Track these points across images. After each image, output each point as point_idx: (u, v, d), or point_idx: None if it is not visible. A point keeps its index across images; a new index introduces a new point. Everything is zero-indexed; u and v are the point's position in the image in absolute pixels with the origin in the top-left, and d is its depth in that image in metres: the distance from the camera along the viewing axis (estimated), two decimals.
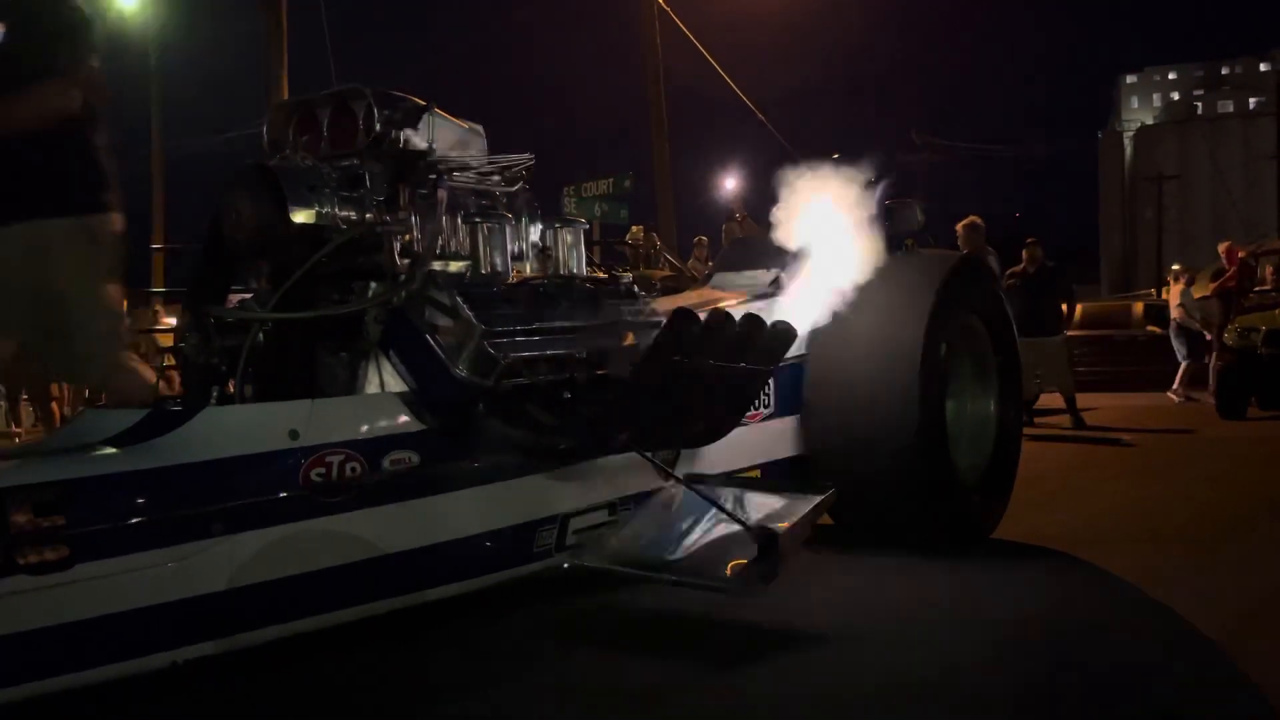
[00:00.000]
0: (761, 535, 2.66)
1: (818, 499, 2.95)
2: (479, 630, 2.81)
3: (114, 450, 2.13)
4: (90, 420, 2.31)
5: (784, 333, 3.12)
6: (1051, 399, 10.83)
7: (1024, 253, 10.73)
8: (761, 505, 2.96)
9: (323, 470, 2.32)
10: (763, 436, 3.63)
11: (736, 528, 2.82)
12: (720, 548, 2.77)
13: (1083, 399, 10.71)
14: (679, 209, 16.06)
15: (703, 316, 2.88)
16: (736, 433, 3.46)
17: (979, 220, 9.09)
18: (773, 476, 3.69)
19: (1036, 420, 10.56)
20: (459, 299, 2.50)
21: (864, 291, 3.76)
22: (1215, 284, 12.10)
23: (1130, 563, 3.54)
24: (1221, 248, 12.35)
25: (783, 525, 2.76)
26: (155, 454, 2.13)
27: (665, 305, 3.67)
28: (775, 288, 4.01)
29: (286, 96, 11.62)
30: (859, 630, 2.85)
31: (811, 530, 2.92)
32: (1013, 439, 4.11)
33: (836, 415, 3.62)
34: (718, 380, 2.89)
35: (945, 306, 3.70)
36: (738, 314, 2.94)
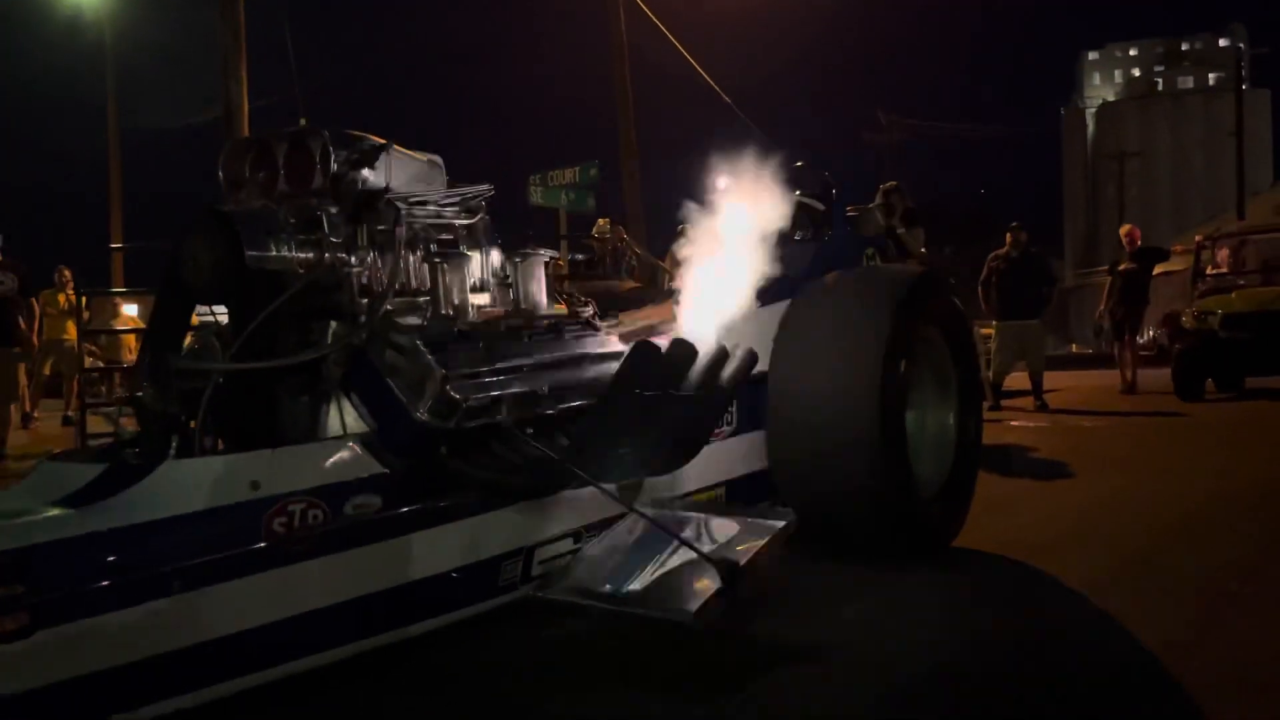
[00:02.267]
0: (723, 567, 2.70)
1: (779, 526, 2.99)
2: (442, 663, 2.81)
3: (71, 511, 2.12)
4: (48, 474, 2.30)
5: (745, 359, 3.16)
6: (1017, 380, 11.02)
7: (1007, 236, 10.88)
8: (723, 533, 3.00)
9: (284, 520, 2.33)
10: (727, 454, 3.68)
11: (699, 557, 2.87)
12: (684, 577, 2.80)
13: (1045, 379, 10.90)
14: (648, 198, 16.06)
15: (665, 344, 2.92)
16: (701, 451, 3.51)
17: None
18: (737, 493, 3.74)
19: (1002, 404, 10.76)
20: (418, 341, 2.51)
21: (823, 307, 3.81)
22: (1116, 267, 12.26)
23: (1083, 570, 3.62)
24: (1123, 230, 12.48)
25: (744, 557, 2.80)
26: (113, 513, 2.12)
27: (629, 327, 3.70)
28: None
29: (244, 76, 11.46)
30: (823, 646, 2.91)
31: (774, 556, 2.96)
32: (972, 449, 4.17)
33: (797, 430, 3.66)
34: (679, 409, 2.92)
35: (904, 321, 3.74)
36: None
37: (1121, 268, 11.96)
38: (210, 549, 2.20)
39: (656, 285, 10.97)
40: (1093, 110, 55.97)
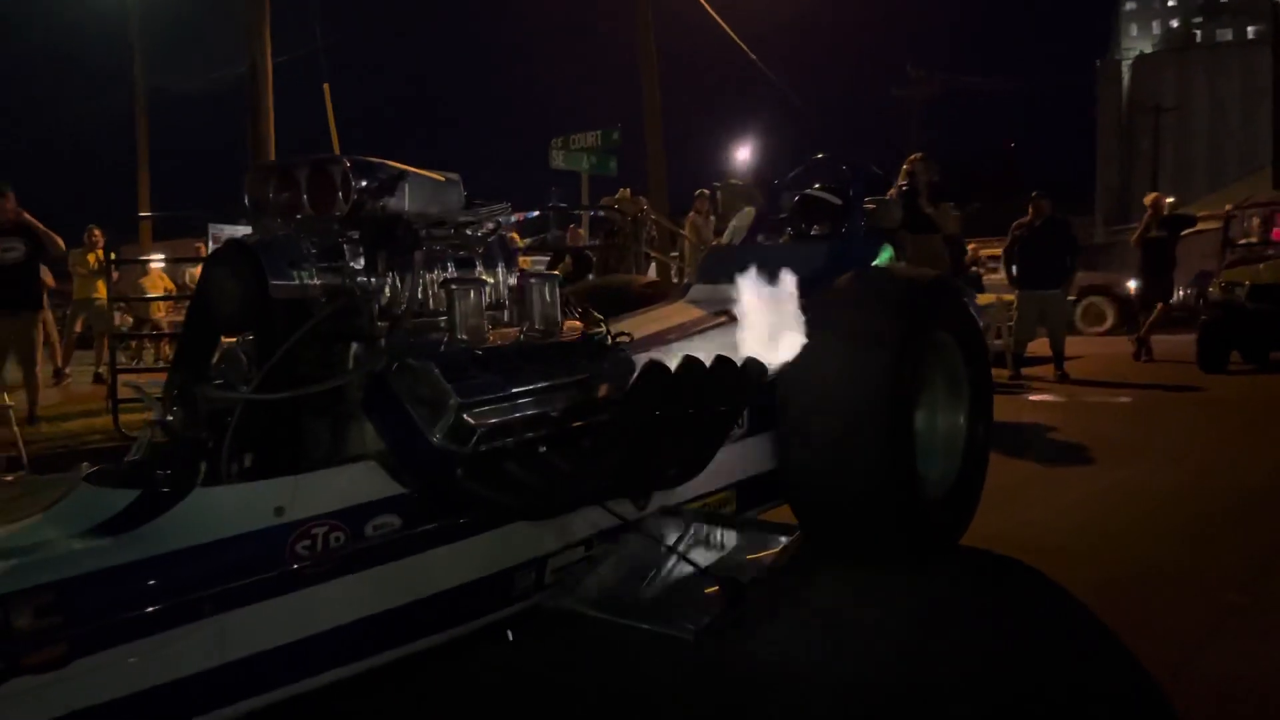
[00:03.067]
0: (728, 585, 2.81)
1: (785, 540, 3.08)
2: (438, 677, 2.89)
3: (105, 540, 2.24)
4: (82, 499, 2.41)
5: (754, 371, 3.23)
6: (1041, 346, 11.02)
7: (1030, 205, 10.79)
8: (729, 546, 3.10)
9: (308, 543, 2.43)
10: (738, 456, 3.75)
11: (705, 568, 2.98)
12: (689, 591, 2.91)
13: (1068, 346, 10.89)
14: (672, 162, 15.98)
15: (674, 362, 2.99)
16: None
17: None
18: (748, 495, 3.82)
19: (1023, 373, 10.76)
20: (434, 367, 2.59)
21: (834, 312, 3.85)
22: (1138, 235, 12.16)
23: (1086, 574, 3.70)
24: (1148, 200, 12.34)
25: (749, 572, 2.90)
26: (145, 542, 2.23)
27: (641, 331, 3.76)
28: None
29: (267, 35, 11.46)
30: (828, 647, 3.01)
31: (780, 568, 3.06)
32: (981, 451, 4.23)
33: (807, 432, 3.73)
34: (689, 426, 3.00)
35: (915, 326, 3.79)
36: (708, 353, 3.04)
37: (1149, 236, 11.86)
38: (236, 574, 2.31)
39: (677, 252, 11.00)
40: (1129, 62, 54.78)
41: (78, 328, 12.96)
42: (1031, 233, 10.72)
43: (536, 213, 13.89)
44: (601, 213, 10.46)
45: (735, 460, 3.73)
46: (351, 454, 2.67)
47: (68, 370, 12.55)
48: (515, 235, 13.73)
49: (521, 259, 11.61)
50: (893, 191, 7.37)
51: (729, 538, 3.24)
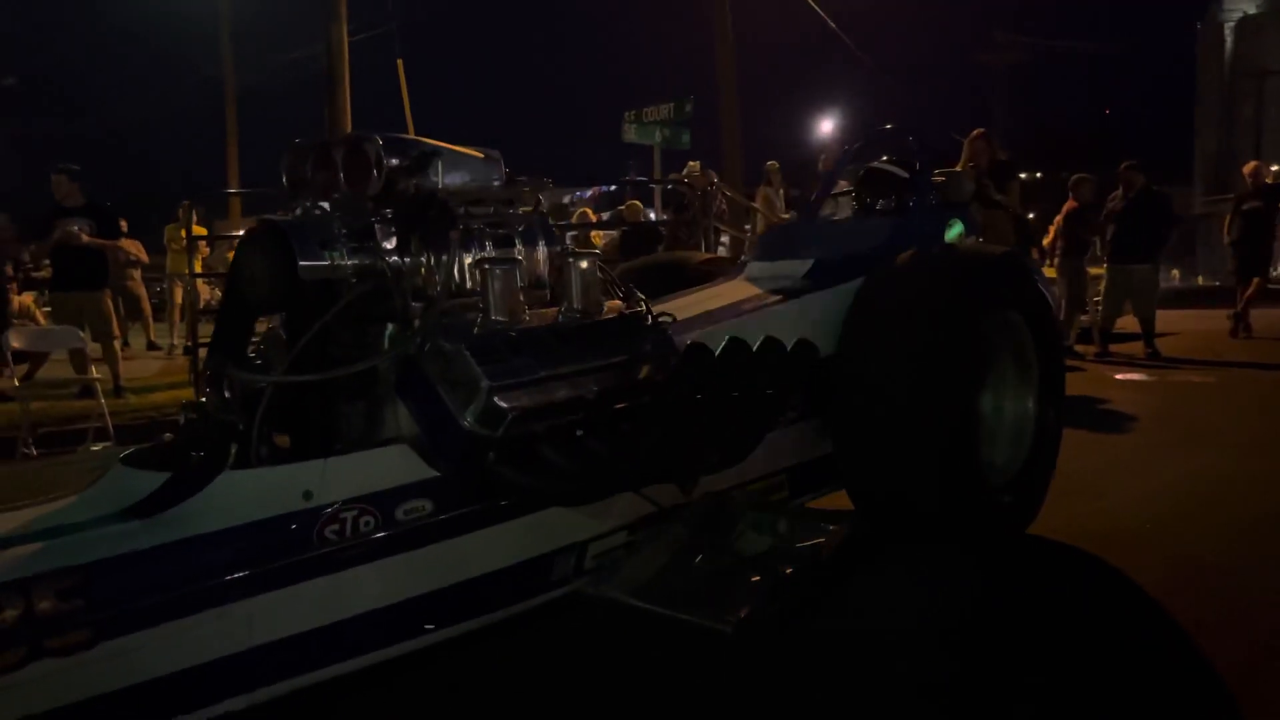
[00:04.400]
0: (769, 576, 2.71)
1: (833, 530, 2.97)
2: (461, 666, 2.83)
3: (132, 523, 2.23)
4: (116, 480, 2.41)
5: (803, 353, 3.11)
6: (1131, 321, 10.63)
7: (1120, 178, 10.43)
8: (777, 534, 2.99)
9: (337, 527, 2.41)
10: (791, 440, 3.64)
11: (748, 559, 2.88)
12: (732, 582, 2.82)
13: (1161, 321, 10.47)
14: (751, 134, 15.74)
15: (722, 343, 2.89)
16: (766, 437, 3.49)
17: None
18: (801, 479, 3.71)
19: (1111, 349, 10.39)
20: (465, 350, 2.53)
21: (895, 291, 3.70)
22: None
23: (1148, 571, 3.49)
24: (1247, 169, 11.71)
25: (793, 564, 2.80)
26: (171, 526, 2.23)
27: (688, 310, 3.66)
28: (809, 281, 3.97)
29: (343, 14, 11.58)
30: (878, 631, 2.90)
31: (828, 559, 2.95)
32: (1052, 436, 4.04)
33: (863, 415, 3.59)
34: (731, 409, 2.90)
35: (980, 303, 3.63)
36: (756, 332, 2.93)
37: (1245, 206, 11.32)
38: (263, 558, 2.29)
39: (750, 226, 10.81)
40: (1231, 25, 52.31)
41: (178, 299, 13.37)
42: (1124, 205, 10.36)
43: (613, 187, 13.83)
44: (670, 186, 10.32)
45: (788, 444, 3.62)
46: (385, 438, 2.64)
47: (174, 341, 13.00)
48: (589, 210, 13.70)
49: (593, 234, 11.54)
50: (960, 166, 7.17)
51: (778, 525, 3.14)
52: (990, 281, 3.74)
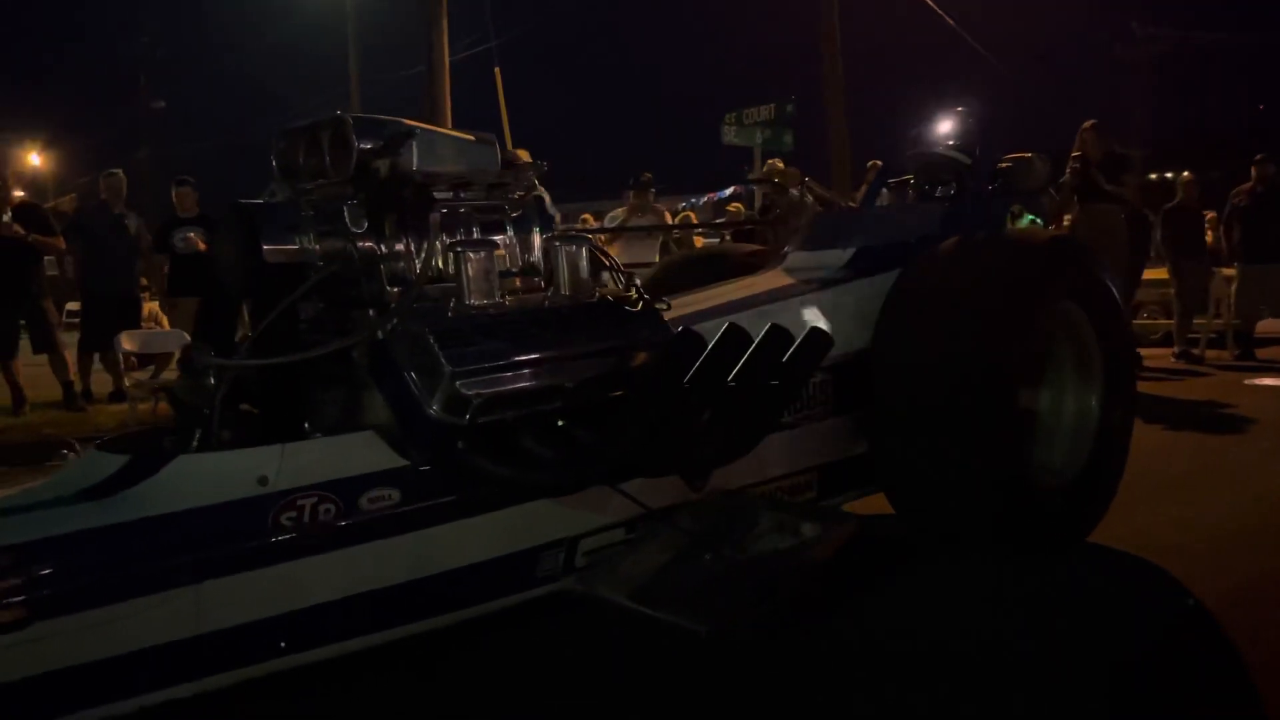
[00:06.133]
0: (759, 578, 2.54)
1: (835, 528, 2.77)
2: (451, 660, 2.73)
3: (83, 505, 2.22)
4: (84, 465, 2.42)
5: (813, 344, 2.92)
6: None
7: (1253, 170, 9.83)
8: (773, 535, 2.81)
9: (294, 514, 2.35)
10: (821, 437, 3.44)
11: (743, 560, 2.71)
12: (731, 582, 2.65)
13: None
14: (860, 137, 15.35)
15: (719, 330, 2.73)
16: (788, 434, 3.30)
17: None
18: (833, 479, 3.51)
19: (1256, 354, 9.71)
20: (429, 334, 2.45)
21: (933, 279, 3.47)
22: None
23: (1211, 581, 3.17)
24: None
25: (785, 565, 2.62)
26: (119, 508, 2.21)
27: (709, 300, 3.51)
28: (848, 271, 3.76)
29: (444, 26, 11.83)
30: (875, 645, 2.72)
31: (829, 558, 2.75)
32: (1117, 434, 3.71)
33: (901, 412, 3.37)
34: (726, 401, 2.73)
35: (1027, 294, 3.36)
36: (757, 324, 2.76)
37: None
38: (211, 544, 2.25)
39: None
40: None
41: None
42: (1253, 200, 9.71)
43: (729, 191, 13.70)
44: (753, 187, 10.11)
45: (817, 441, 3.43)
46: (355, 424, 2.58)
47: None
48: (692, 215, 13.56)
49: (696, 238, 11.38)
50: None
51: (789, 526, 2.95)
52: (1040, 270, 3.46)
